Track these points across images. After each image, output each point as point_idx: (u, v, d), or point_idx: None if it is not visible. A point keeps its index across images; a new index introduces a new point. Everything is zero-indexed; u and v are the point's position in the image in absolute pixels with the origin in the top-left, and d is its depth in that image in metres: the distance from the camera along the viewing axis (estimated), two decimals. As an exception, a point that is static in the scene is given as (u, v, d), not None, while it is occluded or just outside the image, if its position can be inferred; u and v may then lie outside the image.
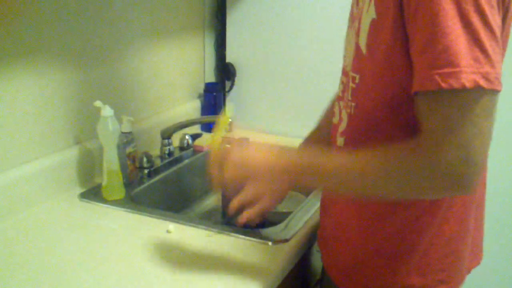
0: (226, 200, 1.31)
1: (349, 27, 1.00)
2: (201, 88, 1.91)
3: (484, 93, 0.75)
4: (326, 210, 1.09)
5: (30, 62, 1.22)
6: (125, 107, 1.54)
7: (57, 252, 1.07)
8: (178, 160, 1.59)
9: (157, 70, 1.68)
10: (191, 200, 1.61)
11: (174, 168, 1.56)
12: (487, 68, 0.74)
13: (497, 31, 0.75)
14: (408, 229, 0.94)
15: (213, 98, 1.88)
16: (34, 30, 1.22)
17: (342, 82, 1.02)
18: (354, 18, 0.97)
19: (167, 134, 1.57)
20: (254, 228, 1.14)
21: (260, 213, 1.05)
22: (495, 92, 0.76)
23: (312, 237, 1.21)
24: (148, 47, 1.62)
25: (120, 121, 1.34)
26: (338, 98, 1.03)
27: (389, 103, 0.88)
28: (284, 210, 1.45)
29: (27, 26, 1.20)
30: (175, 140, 1.62)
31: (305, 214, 1.27)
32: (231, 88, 1.93)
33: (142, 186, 1.42)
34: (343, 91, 1.00)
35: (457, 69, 0.73)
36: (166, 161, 1.55)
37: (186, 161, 1.62)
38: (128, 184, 1.38)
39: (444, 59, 0.74)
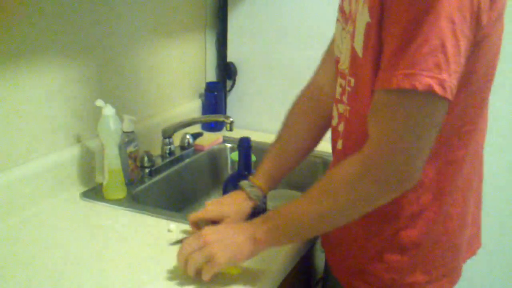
0: None
1: (342, 29, 1.00)
2: (202, 87, 1.92)
3: (435, 99, 0.77)
4: None
5: (32, 61, 1.23)
6: (127, 106, 1.54)
7: (58, 251, 1.08)
8: (179, 159, 1.60)
9: (158, 69, 1.68)
10: (192, 199, 1.61)
11: (175, 167, 1.56)
12: (444, 76, 0.75)
13: (463, 44, 0.77)
14: (412, 228, 0.95)
15: (214, 97, 1.88)
16: (35, 29, 1.22)
17: (340, 85, 1.02)
18: (347, 18, 0.97)
19: (168, 133, 1.57)
20: None
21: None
22: (445, 100, 0.78)
23: (311, 239, 1.21)
24: (149, 46, 1.62)
25: (121, 120, 1.35)
26: (336, 101, 1.04)
27: None
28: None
29: (29, 25, 1.20)
30: (176, 139, 1.62)
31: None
32: (232, 87, 1.93)
33: (143, 186, 1.42)
34: (341, 94, 1.01)
35: (414, 71, 0.75)
36: (167, 160, 1.55)
37: (187, 160, 1.62)
38: (129, 183, 1.38)
39: (406, 61, 0.76)
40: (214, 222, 1.09)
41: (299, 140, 1.18)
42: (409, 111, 0.80)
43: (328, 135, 1.14)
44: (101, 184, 1.34)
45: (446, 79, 0.76)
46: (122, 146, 1.34)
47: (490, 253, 1.74)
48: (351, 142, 0.98)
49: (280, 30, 1.79)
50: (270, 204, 1.42)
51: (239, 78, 1.91)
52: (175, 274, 1.00)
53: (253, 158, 1.48)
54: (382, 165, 0.83)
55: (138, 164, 1.43)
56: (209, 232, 0.96)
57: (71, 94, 1.35)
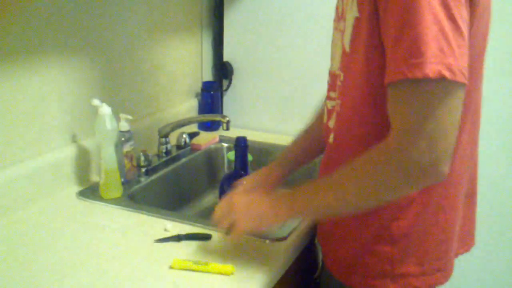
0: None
1: (335, 28, 1.03)
2: (198, 86, 1.92)
3: (446, 84, 0.78)
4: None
5: (27, 60, 1.22)
6: (123, 105, 1.54)
7: (54, 250, 1.07)
8: (175, 158, 1.60)
9: (155, 68, 1.68)
10: (188, 199, 1.61)
11: (172, 166, 1.56)
12: (450, 60, 0.77)
13: (463, 26, 0.78)
14: (402, 219, 0.97)
15: (211, 97, 1.88)
16: (31, 28, 1.22)
17: (328, 83, 1.07)
18: (340, 18, 1.00)
19: (164, 133, 1.57)
20: None
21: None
22: (458, 84, 0.78)
23: (310, 234, 1.21)
24: (146, 46, 1.62)
25: (117, 119, 1.35)
26: (327, 98, 1.08)
27: (372, 100, 0.91)
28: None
29: (25, 24, 1.20)
30: (173, 138, 1.62)
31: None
32: (228, 86, 1.93)
33: (140, 185, 1.42)
34: (328, 90, 1.06)
35: (422, 59, 0.76)
36: (164, 159, 1.56)
37: (184, 159, 1.62)
38: (126, 182, 1.38)
39: (411, 50, 0.77)
40: None
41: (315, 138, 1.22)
42: (424, 99, 0.80)
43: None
44: (97, 184, 1.34)
45: (452, 63, 0.77)
46: (118, 146, 1.34)
47: (489, 252, 1.75)
48: (343, 134, 1.01)
49: (277, 29, 1.79)
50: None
51: (236, 78, 1.91)
52: (172, 272, 1.00)
53: (250, 157, 1.49)
54: (405, 153, 0.82)
55: (135, 163, 1.43)
56: (237, 200, 1.04)
57: (67, 93, 1.35)
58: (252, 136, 1.64)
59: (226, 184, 1.36)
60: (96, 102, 1.29)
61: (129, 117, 1.39)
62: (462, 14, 0.78)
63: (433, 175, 0.83)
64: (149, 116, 1.66)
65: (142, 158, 1.47)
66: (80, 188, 1.35)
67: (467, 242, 1.12)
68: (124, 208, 1.26)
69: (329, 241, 1.10)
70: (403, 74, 0.79)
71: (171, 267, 1.00)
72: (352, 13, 0.90)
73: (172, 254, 1.06)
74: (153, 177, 1.48)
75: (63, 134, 1.35)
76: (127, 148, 1.38)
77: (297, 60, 1.79)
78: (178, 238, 1.11)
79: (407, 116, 0.82)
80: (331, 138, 1.04)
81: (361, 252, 1.01)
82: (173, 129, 1.57)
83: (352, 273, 1.04)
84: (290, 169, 1.26)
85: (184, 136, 1.66)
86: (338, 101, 1.00)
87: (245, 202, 1.04)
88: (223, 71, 1.93)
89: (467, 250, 1.12)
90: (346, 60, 0.94)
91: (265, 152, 1.70)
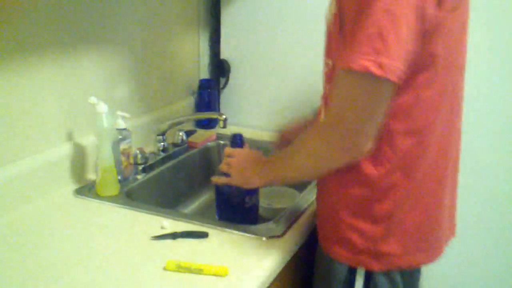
0: (220, 198, 1.32)
1: (326, 17, 1.10)
2: (195, 84, 1.92)
3: (374, 79, 0.88)
4: (318, 189, 1.18)
5: (23, 58, 1.22)
6: (120, 103, 1.54)
7: (52, 248, 1.08)
8: (172, 156, 1.60)
9: (152, 66, 1.68)
10: (185, 197, 1.61)
11: (168, 164, 1.57)
12: (383, 59, 0.87)
13: (406, 32, 0.87)
14: (384, 200, 1.03)
15: (208, 95, 1.88)
16: (27, 26, 1.22)
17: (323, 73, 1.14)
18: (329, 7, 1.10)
19: (161, 131, 1.57)
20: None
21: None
22: (387, 81, 0.89)
23: (306, 232, 1.22)
24: (143, 44, 1.62)
25: (114, 117, 1.35)
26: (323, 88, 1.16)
27: None
28: (278, 206, 1.45)
29: (20, 22, 1.20)
30: (169, 136, 1.62)
31: (298, 210, 1.27)
32: (225, 84, 1.93)
33: (136, 183, 1.42)
34: (323, 81, 1.13)
35: (354, 54, 0.88)
36: (160, 157, 1.56)
37: (180, 157, 1.62)
38: (123, 180, 1.38)
39: (350, 46, 0.90)
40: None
41: None
42: (351, 88, 0.94)
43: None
44: (94, 181, 1.34)
45: (386, 62, 0.87)
46: (115, 143, 1.35)
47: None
48: None
49: (274, 27, 1.79)
50: (270, 201, 1.44)
51: (233, 76, 1.91)
52: (166, 274, 1.00)
53: None
54: (331, 131, 0.98)
55: (131, 161, 1.43)
56: (236, 158, 1.26)
57: (64, 91, 1.35)
58: (249, 134, 1.65)
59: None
60: (93, 100, 1.29)
61: (126, 115, 1.39)
62: (409, 23, 0.87)
63: (352, 151, 0.98)
64: (146, 114, 1.66)
65: (139, 156, 1.47)
66: (77, 186, 1.35)
67: (452, 228, 1.18)
68: (121, 205, 1.27)
69: (319, 217, 1.17)
70: (340, 63, 0.94)
71: (165, 269, 1.00)
72: (332, 8, 1.03)
73: (168, 252, 1.07)
74: (150, 174, 1.48)
75: (60, 132, 1.35)
76: (124, 146, 1.38)
77: (294, 58, 1.79)
78: (174, 235, 1.12)
79: (336, 99, 0.97)
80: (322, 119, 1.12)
81: (345, 228, 1.07)
82: (170, 127, 1.57)
83: (339, 248, 1.09)
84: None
85: (181, 134, 1.66)
86: (327, 86, 1.07)
87: (240, 161, 1.25)
88: (220, 69, 1.93)
89: (453, 234, 1.19)
90: (332, 48, 1.04)
91: (262, 150, 1.70)
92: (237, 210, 1.30)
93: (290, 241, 1.15)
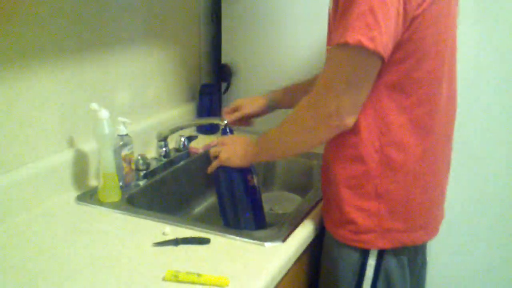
0: (223, 205, 1.32)
1: (329, 8, 1.17)
2: (197, 89, 1.91)
3: (365, 52, 0.97)
4: (322, 175, 1.24)
5: (25, 65, 1.23)
6: (121, 109, 1.54)
7: (53, 255, 1.07)
8: (174, 162, 1.60)
9: (153, 72, 1.68)
10: (187, 202, 1.61)
11: (170, 170, 1.56)
12: (375, 33, 0.95)
13: (393, 10, 0.96)
14: (387, 179, 1.10)
15: (209, 100, 1.88)
16: (28, 32, 1.22)
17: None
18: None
19: (163, 136, 1.57)
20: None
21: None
22: (376, 55, 0.98)
23: (308, 237, 1.21)
24: (143, 49, 1.62)
25: (116, 123, 1.35)
26: None
27: None
28: (280, 212, 1.45)
29: (21, 28, 1.20)
30: (171, 142, 1.62)
31: (301, 216, 1.27)
32: (227, 89, 1.93)
33: (138, 189, 1.42)
34: None
35: (347, 30, 0.96)
36: (162, 163, 1.55)
37: (182, 163, 1.62)
38: (124, 186, 1.38)
39: (343, 23, 0.98)
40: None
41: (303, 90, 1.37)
42: (342, 61, 1.02)
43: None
44: (96, 188, 1.34)
45: (377, 36, 0.95)
46: (116, 149, 1.34)
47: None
48: None
49: (275, 31, 1.79)
50: (272, 207, 1.44)
51: (234, 80, 1.91)
52: (168, 281, 0.99)
53: None
54: (318, 102, 1.06)
55: (133, 167, 1.43)
56: (226, 140, 1.34)
57: (65, 97, 1.35)
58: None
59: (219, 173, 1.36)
60: (94, 106, 1.29)
61: (127, 121, 1.39)
62: (396, 5, 0.96)
63: (336, 122, 1.05)
64: (147, 119, 1.66)
65: (141, 162, 1.47)
66: (79, 193, 1.35)
67: (443, 211, 1.25)
68: (123, 212, 1.26)
69: (325, 203, 1.23)
70: (333, 41, 1.01)
71: (164, 279, 0.99)
72: None
73: (169, 259, 1.06)
74: (152, 180, 1.48)
75: (61, 138, 1.35)
76: (125, 152, 1.38)
77: (296, 62, 1.79)
78: (176, 242, 1.11)
79: (326, 72, 1.05)
80: None
81: (351, 209, 1.12)
82: (171, 133, 1.57)
83: (346, 230, 1.14)
84: (272, 105, 1.52)
85: (182, 139, 1.66)
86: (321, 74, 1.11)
87: (231, 143, 1.32)
88: (221, 73, 1.93)
89: (443, 217, 1.25)
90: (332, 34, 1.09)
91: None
92: (241, 204, 1.30)
93: (292, 247, 1.14)
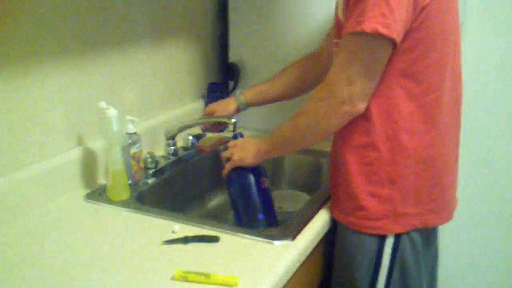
0: (237, 207, 1.32)
1: (336, 1, 1.22)
2: (204, 88, 1.91)
3: (381, 38, 1.02)
4: (331, 167, 1.27)
5: (33, 64, 1.23)
6: (129, 107, 1.54)
7: (62, 253, 1.08)
8: (182, 160, 1.60)
9: (160, 70, 1.68)
10: (195, 200, 1.61)
11: (178, 168, 1.56)
12: (390, 21, 1.00)
13: (405, 1, 1.01)
14: (398, 165, 1.13)
15: (216, 98, 1.87)
16: (35, 31, 1.22)
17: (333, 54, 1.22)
18: None
19: (171, 134, 1.57)
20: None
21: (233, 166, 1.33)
22: (390, 41, 1.03)
23: (318, 235, 1.21)
24: (151, 47, 1.62)
25: (123, 121, 1.35)
26: None
27: None
28: (289, 210, 1.45)
29: (28, 26, 1.20)
30: (179, 140, 1.62)
31: (310, 213, 1.27)
32: (234, 87, 1.93)
33: (147, 187, 1.42)
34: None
35: (363, 19, 1.01)
36: (170, 161, 1.55)
37: (190, 161, 1.62)
38: (133, 184, 1.38)
39: (358, 12, 1.02)
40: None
41: (288, 82, 1.49)
42: (357, 49, 1.06)
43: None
44: (104, 186, 1.34)
45: (392, 23, 1.00)
46: (125, 148, 1.34)
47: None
48: None
49: (282, 29, 1.79)
50: (281, 205, 1.43)
51: (242, 79, 1.91)
52: (177, 280, 0.99)
53: None
54: (331, 92, 1.10)
55: (142, 165, 1.43)
56: (237, 143, 1.35)
57: (74, 96, 1.35)
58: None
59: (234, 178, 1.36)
60: (102, 104, 1.29)
61: (136, 119, 1.39)
62: None
63: (349, 109, 1.09)
64: (155, 118, 1.66)
65: (149, 160, 1.47)
66: (88, 191, 1.35)
67: (456, 199, 1.28)
68: (132, 210, 1.27)
69: (334, 191, 1.25)
70: (348, 29, 1.05)
71: (173, 278, 0.99)
72: None
73: (179, 258, 1.06)
74: (160, 179, 1.48)
75: (70, 137, 1.35)
76: (134, 150, 1.38)
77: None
78: (185, 240, 1.11)
79: (339, 60, 1.09)
80: None
81: (365, 196, 1.15)
82: (179, 131, 1.57)
83: (355, 217, 1.18)
84: (249, 101, 1.55)
85: (190, 137, 1.66)
86: (333, 63, 1.14)
87: (241, 143, 1.33)
88: (229, 72, 1.92)
89: (456, 205, 1.28)
90: (341, 28, 1.12)
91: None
92: (255, 207, 1.30)
93: (302, 244, 1.14)
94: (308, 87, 1.47)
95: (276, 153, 1.36)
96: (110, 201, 1.30)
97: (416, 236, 1.18)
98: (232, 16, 1.87)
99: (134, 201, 1.32)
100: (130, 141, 1.37)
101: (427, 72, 1.11)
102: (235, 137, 1.40)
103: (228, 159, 1.33)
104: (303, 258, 1.14)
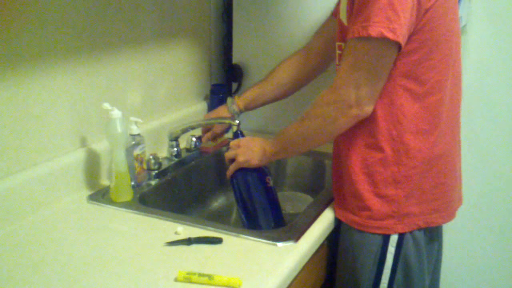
0: (243, 208, 1.32)
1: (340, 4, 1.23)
2: (207, 89, 1.92)
3: (386, 43, 1.04)
4: (334, 167, 1.29)
5: (38, 64, 1.23)
6: (133, 109, 1.54)
7: (65, 254, 1.08)
8: (185, 161, 1.60)
9: (164, 71, 1.68)
10: (198, 201, 1.61)
11: (182, 169, 1.56)
12: (395, 25, 1.02)
13: (410, 3, 1.02)
14: (403, 165, 1.14)
15: (220, 100, 1.87)
16: (40, 32, 1.22)
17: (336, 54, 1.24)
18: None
19: (174, 136, 1.57)
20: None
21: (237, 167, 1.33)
22: (395, 45, 1.05)
23: (321, 236, 1.21)
24: (155, 49, 1.62)
25: (127, 123, 1.35)
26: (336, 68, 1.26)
27: None
28: (292, 212, 1.45)
29: (32, 27, 1.20)
30: (182, 141, 1.62)
31: (313, 215, 1.26)
32: (237, 89, 1.93)
33: (150, 188, 1.42)
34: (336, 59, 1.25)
35: (369, 23, 1.02)
36: (174, 162, 1.56)
37: (193, 162, 1.62)
38: (136, 185, 1.38)
39: (363, 17, 1.03)
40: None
41: (279, 84, 1.51)
42: (363, 53, 1.07)
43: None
44: (107, 187, 1.34)
45: (397, 27, 1.02)
46: (129, 149, 1.35)
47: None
48: None
49: (286, 31, 1.78)
50: (284, 207, 1.43)
51: (245, 80, 1.91)
52: (180, 281, 0.99)
53: None
54: (339, 96, 1.11)
55: (145, 166, 1.43)
56: (241, 143, 1.34)
57: (78, 97, 1.35)
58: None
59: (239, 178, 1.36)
60: (106, 106, 1.29)
61: (139, 120, 1.39)
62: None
63: (356, 112, 1.10)
64: (158, 119, 1.67)
65: (152, 161, 1.47)
66: (91, 192, 1.35)
67: (461, 197, 1.30)
68: (135, 211, 1.27)
69: (337, 192, 1.26)
70: (354, 33, 1.06)
71: (176, 280, 0.99)
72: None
73: (181, 259, 1.06)
74: (163, 180, 1.48)
75: (74, 138, 1.36)
76: (137, 151, 1.38)
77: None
78: (188, 241, 1.11)
79: (346, 64, 1.10)
80: None
81: (371, 196, 1.16)
82: (182, 132, 1.57)
83: (360, 217, 1.19)
84: (242, 109, 1.55)
85: (193, 139, 1.66)
86: (339, 67, 1.16)
87: (245, 143, 1.33)
88: (232, 73, 1.92)
89: (461, 203, 1.30)
90: (345, 31, 1.14)
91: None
92: (261, 206, 1.30)
93: (305, 246, 1.14)
94: (299, 86, 1.51)
95: (282, 155, 1.36)
96: (113, 202, 1.30)
97: (419, 235, 1.19)
98: (236, 18, 1.87)
99: (137, 203, 1.32)
100: (133, 142, 1.37)
101: (430, 73, 1.12)
102: (236, 135, 1.40)
103: (232, 160, 1.33)
104: (306, 260, 1.14)
